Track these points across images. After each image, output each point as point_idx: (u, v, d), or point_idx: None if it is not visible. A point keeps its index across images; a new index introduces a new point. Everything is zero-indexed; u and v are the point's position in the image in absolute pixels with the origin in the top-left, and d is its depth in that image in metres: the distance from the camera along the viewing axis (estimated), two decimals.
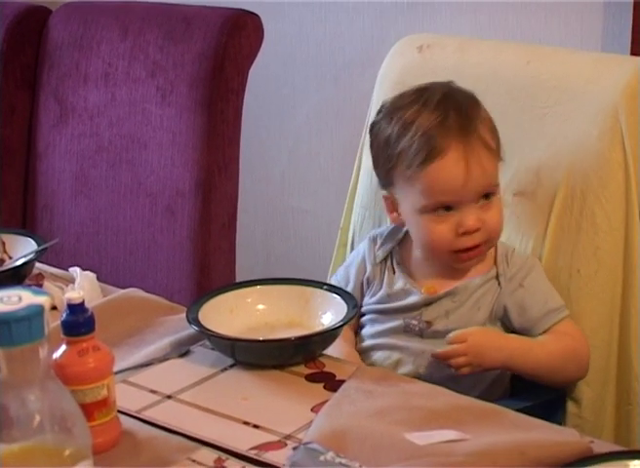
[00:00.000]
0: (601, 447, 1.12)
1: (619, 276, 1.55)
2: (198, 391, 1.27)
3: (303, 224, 2.80)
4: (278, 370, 1.31)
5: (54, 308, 1.42)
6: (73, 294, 1.13)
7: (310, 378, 1.30)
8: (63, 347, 1.12)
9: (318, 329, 1.37)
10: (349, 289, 1.60)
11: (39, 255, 1.59)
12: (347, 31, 2.57)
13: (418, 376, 1.48)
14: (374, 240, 1.62)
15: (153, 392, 1.27)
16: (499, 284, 1.52)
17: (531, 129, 1.58)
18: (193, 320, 1.36)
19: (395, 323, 1.54)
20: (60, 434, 0.91)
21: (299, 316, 1.42)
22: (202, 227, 1.99)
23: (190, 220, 2.00)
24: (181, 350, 1.37)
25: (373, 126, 1.56)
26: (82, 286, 1.51)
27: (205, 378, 1.30)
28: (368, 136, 1.59)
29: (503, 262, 1.53)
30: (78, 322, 1.12)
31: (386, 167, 1.51)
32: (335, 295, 1.42)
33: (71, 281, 1.55)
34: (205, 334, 1.34)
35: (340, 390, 1.24)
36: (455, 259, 1.51)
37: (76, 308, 1.12)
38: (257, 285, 1.46)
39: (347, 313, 1.37)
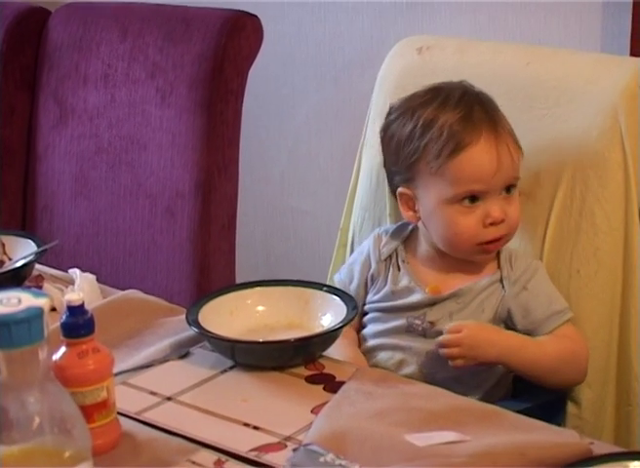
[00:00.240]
0: (601, 448, 1.12)
1: (618, 276, 1.55)
2: (198, 393, 1.27)
3: (303, 225, 2.80)
4: (278, 372, 1.31)
5: (53, 310, 1.42)
6: (73, 296, 1.13)
7: (310, 380, 1.30)
8: (63, 349, 1.12)
9: (318, 330, 1.37)
10: (354, 286, 1.60)
11: (39, 257, 1.59)
12: (347, 32, 2.57)
13: (421, 377, 1.48)
14: (379, 237, 1.62)
15: (153, 394, 1.27)
16: (503, 287, 1.52)
17: (530, 129, 1.58)
18: (193, 321, 1.36)
19: (398, 322, 1.54)
20: (60, 436, 0.91)
21: (298, 317, 1.42)
22: (202, 228, 1.99)
23: (190, 221, 2.00)
24: (181, 352, 1.37)
25: (387, 127, 1.56)
26: (82, 287, 1.51)
27: (205, 380, 1.30)
28: (378, 138, 1.60)
29: (507, 265, 1.54)
30: (78, 324, 1.13)
31: (408, 161, 1.51)
32: (334, 297, 1.42)
33: (71, 282, 1.55)
34: (205, 336, 1.34)
35: (340, 391, 1.24)
36: (480, 251, 1.51)
37: (76, 310, 1.13)
38: (256, 286, 1.46)
39: (347, 314, 1.37)
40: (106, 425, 1.14)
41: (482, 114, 1.49)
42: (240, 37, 1.98)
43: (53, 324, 1.07)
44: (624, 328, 1.55)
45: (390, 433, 1.13)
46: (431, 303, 1.53)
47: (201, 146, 1.98)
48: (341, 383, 1.27)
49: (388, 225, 1.67)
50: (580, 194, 1.55)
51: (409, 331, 1.53)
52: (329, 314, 1.40)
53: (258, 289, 1.46)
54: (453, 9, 2.38)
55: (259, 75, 2.14)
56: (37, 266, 1.62)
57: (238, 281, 2.02)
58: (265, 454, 1.12)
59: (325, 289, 1.44)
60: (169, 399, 1.26)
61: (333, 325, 1.36)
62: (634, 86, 1.53)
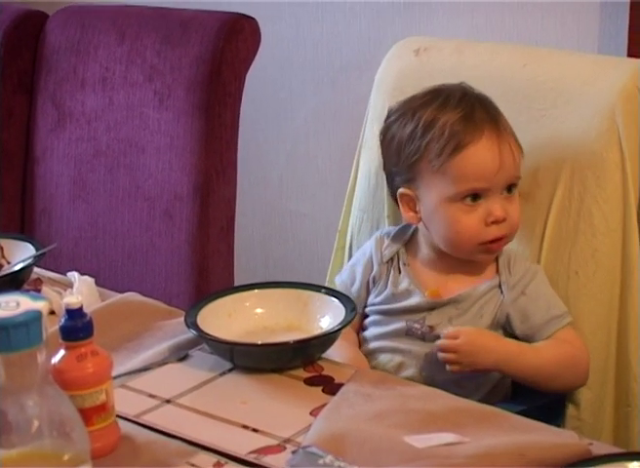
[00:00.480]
0: (600, 448, 1.12)
1: (617, 277, 1.55)
2: (197, 395, 1.27)
3: (302, 227, 2.80)
4: (277, 374, 1.31)
5: (52, 313, 1.42)
6: (71, 299, 1.13)
7: (309, 382, 1.30)
8: (62, 352, 1.12)
9: (317, 332, 1.37)
10: (355, 287, 1.60)
11: (37, 260, 1.59)
12: (344, 34, 2.57)
13: (420, 379, 1.48)
14: (381, 239, 1.62)
15: (152, 396, 1.27)
16: (501, 292, 1.52)
17: (528, 130, 1.59)
18: (192, 324, 1.35)
19: (398, 325, 1.54)
20: (59, 439, 0.91)
21: (297, 320, 1.42)
22: (200, 231, 1.99)
23: (188, 224, 2.00)
24: (180, 354, 1.37)
25: (386, 129, 1.57)
26: (80, 290, 1.51)
27: (204, 382, 1.30)
28: (376, 140, 1.60)
29: (506, 270, 1.54)
30: (76, 327, 1.12)
31: (409, 161, 1.51)
32: (333, 299, 1.42)
33: (70, 285, 1.55)
34: (203, 339, 1.34)
35: (339, 393, 1.24)
36: (482, 251, 1.51)
37: (74, 313, 1.12)
38: (255, 288, 1.46)
39: (346, 316, 1.36)
40: (105, 428, 1.13)
41: (483, 114, 1.49)
42: (238, 40, 1.98)
43: (52, 327, 1.08)
44: (623, 329, 1.55)
45: (389, 435, 1.13)
46: (430, 308, 1.53)
47: (199, 149, 1.98)
48: (340, 385, 1.27)
49: (390, 228, 1.67)
50: (579, 195, 1.55)
51: (408, 334, 1.54)
52: (327, 316, 1.40)
53: (256, 291, 1.46)
54: (450, 10, 2.38)
55: (256, 78, 2.15)
56: (36, 269, 1.61)
57: (237, 283, 2.02)
58: (264, 457, 1.12)
59: (323, 291, 1.44)
60: (168, 401, 1.26)
61: (331, 327, 1.36)
62: (632, 87, 1.53)
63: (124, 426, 1.18)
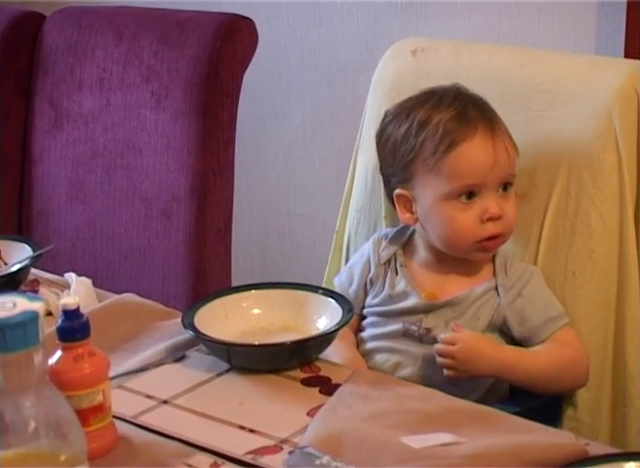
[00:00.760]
0: (597, 449, 1.13)
1: (614, 278, 1.55)
2: (194, 396, 1.27)
3: (299, 228, 2.80)
4: (274, 375, 1.31)
5: (49, 314, 1.42)
6: (68, 300, 1.13)
7: (306, 382, 1.30)
8: (59, 353, 1.12)
9: (313, 333, 1.37)
10: (353, 288, 1.61)
11: (34, 261, 1.59)
12: (341, 35, 2.57)
13: (417, 379, 1.48)
14: (378, 241, 1.62)
15: (149, 397, 1.27)
16: (498, 294, 1.53)
17: (525, 131, 1.59)
18: (189, 325, 1.36)
19: (395, 326, 1.54)
20: (56, 440, 0.91)
21: (294, 320, 1.42)
22: (197, 232, 1.99)
23: (186, 225, 2.00)
24: (177, 355, 1.37)
25: (382, 130, 1.58)
26: (77, 291, 1.51)
27: (201, 383, 1.30)
28: (373, 141, 1.61)
29: (502, 272, 1.54)
30: (73, 327, 1.12)
31: (404, 161, 1.52)
32: (330, 299, 1.42)
33: (67, 286, 1.55)
34: (200, 339, 1.34)
35: (336, 394, 1.24)
36: (479, 249, 1.51)
37: (71, 314, 1.12)
38: (252, 289, 1.46)
39: (343, 317, 1.37)
40: (102, 429, 1.13)
41: (477, 112, 1.50)
42: (235, 40, 1.98)
43: (49, 328, 1.07)
44: (620, 329, 1.55)
45: (386, 435, 1.13)
46: (427, 310, 1.53)
47: (196, 150, 1.98)
48: (337, 386, 1.27)
49: (388, 229, 1.67)
50: (576, 196, 1.56)
51: (405, 335, 1.54)
52: (324, 317, 1.40)
53: (253, 292, 1.46)
54: (447, 11, 2.38)
55: (254, 78, 2.15)
56: (33, 270, 1.61)
57: (234, 284, 2.02)
58: (261, 457, 1.12)
59: (320, 291, 1.44)
60: (165, 402, 1.26)
61: (328, 327, 1.36)
62: (629, 88, 1.53)
63: (121, 427, 1.18)
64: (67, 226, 2.15)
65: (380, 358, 1.55)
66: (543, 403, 1.52)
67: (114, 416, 1.17)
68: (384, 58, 1.77)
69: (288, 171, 2.77)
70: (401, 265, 1.58)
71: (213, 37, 1.97)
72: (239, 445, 1.15)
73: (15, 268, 1.56)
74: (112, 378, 1.23)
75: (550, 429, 1.20)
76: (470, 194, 1.49)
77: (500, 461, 1.08)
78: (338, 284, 1.63)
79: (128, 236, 2.07)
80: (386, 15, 2.48)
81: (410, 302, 1.54)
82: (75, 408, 1.01)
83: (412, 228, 1.60)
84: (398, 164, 1.54)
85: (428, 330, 1.52)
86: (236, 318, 1.42)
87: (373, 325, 1.58)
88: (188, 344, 1.38)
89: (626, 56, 2.12)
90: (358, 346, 1.59)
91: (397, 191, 1.56)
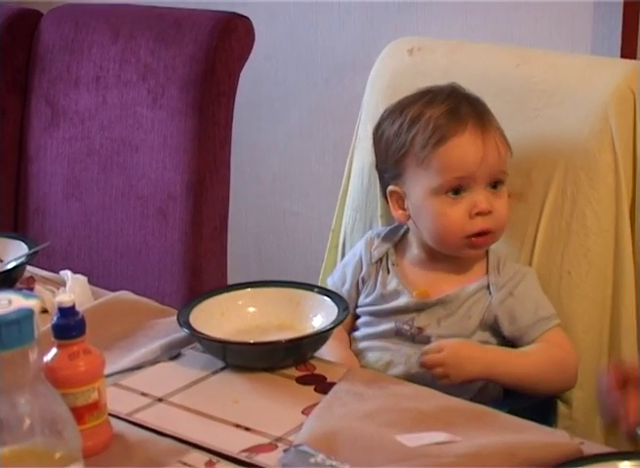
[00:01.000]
0: (591, 448, 1.13)
1: (609, 277, 1.55)
2: (189, 394, 1.27)
3: (295, 227, 2.80)
4: (269, 373, 1.31)
5: (45, 311, 1.42)
6: (64, 298, 1.13)
7: (301, 381, 1.30)
8: (54, 350, 1.12)
9: (309, 331, 1.37)
10: (346, 287, 1.61)
11: (30, 259, 1.59)
12: (338, 33, 2.58)
13: (409, 378, 1.48)
14: (371, 240, 1.62)
15: (144, 395, 1.27)
16: (489, 293, 1.53)
17: (521, 131, 1.59)
18: (184, 323, 1.36)
19: (387, 326, 1.54)
20: (51, 437, 0.91)
21: (289, 319, 1.42)
22: (193, 230, 1.99)
23: (182, 223, 2.00)
24: (172, 353, 1.37)
25: (377, 126, 1.59)
26: (73, 289, 1.51)
27: (196, 381, 1.30)
28: (370, 139, 1.61)
29: (495, 271, 1.54)
30: (69, 325, 1.12)
31: (396, 156, 1.53)
32: (325, 298, 1.42)
33: (62, 284, 1.55)
34: (196, 337, 1.35)
35: (331, 392, 1.25)
36: (468, 245, 1.51)
37: (67, 311, 1.12)
38: (248, 287, 1.46)
39: (338, 315, 1.37)
40: (97, 426, 1.14)
41: (469, 108, 1.51)
42: (231, 39, 1.98)
43: (44, 325, 1.08)
44: (615, 328, 1.55)
45: (381, 433, 1.13)
46: (419, 309, 1.53)
47: (192, 148, 1.98)
48: (332, 384, 1.27)
49: (381, 228, 1.68)
50: (571, 195, 1.56)
51: (398, 335, 1.54)
52: (320, 315, 1.40)
53: (249, 290, 1.46)
54: (444, 10, 2.39)
55: (250, 77, 2.15)
56: (28, 268, 1.61)
57: (230, 282, 2.02)
58: (256, 455, 1.13)
59: (316, 290, 1.45)
60: (160, 400, 1.26)
61: (324, 326, 1.36)
62: (625, 87, 1.53)
63: (116, 425, 1.18)
64: (63, 224, 2.15)
65: (372, 356, 1.55)
66: (538, 402, 1.52)
67: (109, 414, 1.17)
68: (381, 57, 1.77)
69: (284, 169, 2.77)
70: (393, 264, 1.58)
71: (209, 35, 1.97)
72: (234, 443, 1.15)
73: (10, 266, 1.56)
74: (107, 376, 1.23)
75: (545, 428, 1.20)
76: (459, 189, 1.49)
77: (495, 460, 1.08)
78: (331, 283, 1.64)
79: (124, 234, 2.07)
80: (383, 14, 2.48)
81: (401, 301, 1.54)
82: (70, 405, 1.01)
83: (405, 227, 1.61)
84: (390, 160, 1.55)
85: (420, 329, 1.52)
86: (232, 316, 1.42)
87: (365, 324, 1.58)
88: (184, 342, 1.38)
89: (623, 56, 2.12)
90: (351, 345, 1.59)
91: (390, 188, 1.56)
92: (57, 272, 1.61)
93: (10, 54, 2.19)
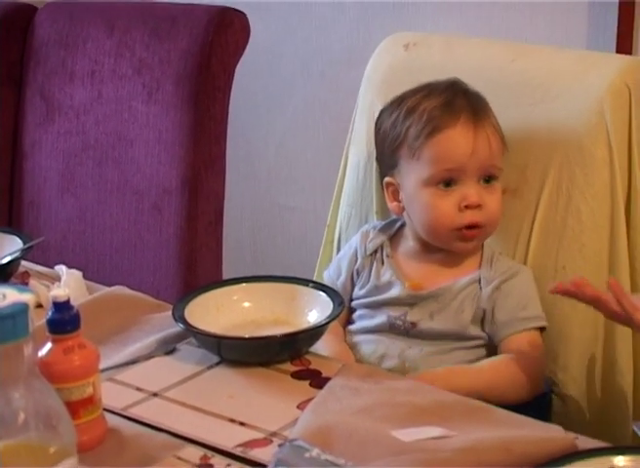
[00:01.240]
0: (586, 443, 1.13)
1: (604, 273, 1.55)
2: (184, 389, 1.27)
3: (290, 221, 2.80)
4: (264, 368, 1.31)
5: (39, 306, 1.42)
6: (59, 292, 1.13)
7: (296, 376, 1.30)
8: (49, 345, 1.12)
9: (304, 326, 1.37)
10: (341, 280, 1.61)
11: (25, 253, 1.59)
12: (334, 28, 2.57)
13: (403, 370, 1.49)
14: (366, 233, 1.63)
15: (139, 390, 1.27)
16: (480, 287, 1.53)
17: (516, 126, 1.59)
18: (179, 317, 1.35)
19: (380, 320, 1.54)
20: (45, 432, 0.91)
21: (285, 313, 1.42)
22: (189, 225, 1.99)
23: (177, 218, 1.99)
24: (167, 348, 1.37)
25: (377, 119, 1.60)
26: (68, 284, 1.51)
27: (191, 376, 1.30)
28: (365, 134, 1.62)
29: (487, 265, 1.54)
30: (64, 320, 1.12)
31: (392, 147, 1.54)
32: (321, 293, 1.42)
33: (57, 279, 1.55)
34: (191, 332, 1.34)
35: (326, 387, 1.25)
36: (458, 238, 1.51)
37: (62, 306, 1.12)
38: (243, 282, 1.46)
39: (333, 310, 1.37)
40: (92, 421, 1.13)
41: (464, 101, 1.51)
42: (227, 33, 1.98)
43: (39, 320, 1.08)
44: (610, 324, 1.55)
45: (376, 428, 1.14)
46: (411, 302, 1.53)
47: (188, 143, 1.98)
48: (328, 379, 1.27)
49: (377, 222, 1.68)
50: (567, 190, 1.56)
51: (391, 329, 1.54)
52: (315, 310, 1.40)
53: (244, 285, 1.46)
54: (439, 5, 2.39)
55: (246, 71, 2.14)
56: (23, 263, 1.61)
57: (225, 277, 2.02)
58: (251, 450, 1.13)
59: (311, 285, 1.45)
60: (155, 395, 1.26)
61: (319, 321, 1.36)
62: (620, 83, 1.53)
63: (111, 419, 1.18)
64: (58, 218, 2.14)
65: (366, 349, 1.55)
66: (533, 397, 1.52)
67: (104, 409, 1.17)
68: (377, 52, 1.76)
69: (279, 164, 2.77)
70: (387, 256, 1.59)
71: (205, 30, 1.97)
72: (229, 437, 1.15)
73: (5, 260, 1.55)
74: (102, 371, 1.23)
75: (540, 423, 1.20)
76: (450, 181, 1.50)
77: (490, 455, 1.08)
78: (327, 277, 1.64)
79: (119, 228, 2.07)
80: (379, 9, 2.48)
81: (394, 292, 1.54)
82: (65, 400, 1.01)
83: (401, 221, 1.61)
84: (387, 150, 1.56)
85: (413, 324, 1.52)
86: (227, 311, 1.42)
87: (360, 317, 1.58)
88: (179, 337, 1.38)
89: (618, 51, 2.12)
90: (346, 338, 1.59)
91: (386, 179, 1.58)
92: (51, 267, 1.61)
93: (5, 48, 2.18)
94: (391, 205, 1.58)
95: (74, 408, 1.09)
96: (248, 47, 2.03)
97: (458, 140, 1.49)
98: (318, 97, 2.65)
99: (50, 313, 1.12)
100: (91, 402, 1.13)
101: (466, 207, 1.49)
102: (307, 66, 2.65)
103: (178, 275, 2.00)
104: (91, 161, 2.10)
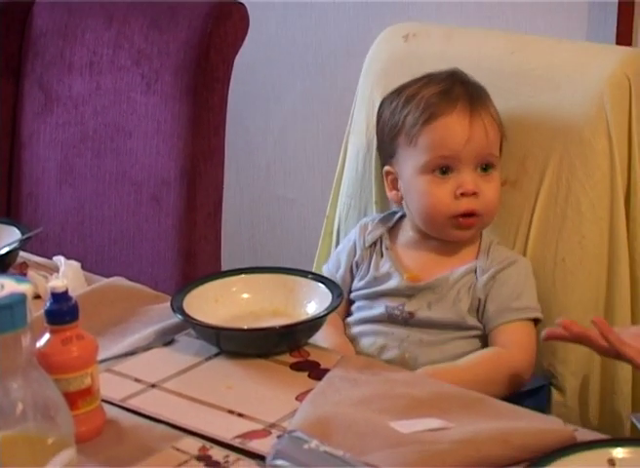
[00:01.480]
0: (585, 435, 1.13)
1: (603, 265, 1.55)
2: (182, 380, 1.27)
3: (289, 213, 2.79)
4: (263, 359, 1.31)
5: (38, 297, 1.41)
6: (57, 283, 1.13)
7: (295, 367, 1.30)
8: (47, 336, 1.12)
9: (303, 317, 1.37)
10: (340, 273, 1.61)
11: (23, 244, 1.58)
12: (333, 19, 2.57)
13: (402, 361, 1.49)
14: (364, 226, 1.63)
15: (137, 381, 1.27)
16: (476, 277, 1.52)
17: (516, 117, 1.59)
18: (178, 309, 1.35)
19: (379, 310, 1.54)
20: (43, 422, 0.91)
21: (283, 305, 1.42)
22: (187, 216, 1.99)
23: (175, 209, 1.99)
24: (166, 339, 1.36)
25: (378, 109, 1.60)
26: (66, 275, 1.51)
27: (189, 367, 1.30)
28: (364, 125, 1.62)
29: (484, 255, 1.54)
30: (62, 310, 1.12)
31: (391, 135, 1.55)
32: (319, 284, 1.42)
33: (55, 270, 1.55)
34: (189, 323, 1.34)
35: (325, 379, 1.24)
36: (454, 226, 1.51)
37: (60, 297, 1.12)
38: (241, 274, 1.46)
39: (332, 302, 1.36)
40: (91, 412, 1.13)
41: (461, 90, 1.52)
42: (226, 25, 1.98)
43: (37, 311, 1.08)
44: (609, 316, 1.55)
45: (375, 420, 1.13)
46: (409, 294, 1.53)
47: (186, 134, 1.97)
48: (326, 370, 1.27)
49: (375, 214, 1.68)
50: (566, 182, 1.56)
51: (390, 319, 1.54)
52: (314, 301, 1.40)
53: (243, 276, 1.46)
54: None
55: (244, 63, 2.14)
56: (22, 253, 1.61)
57: (224, 268, 2.02)
58: (250, 441, 1.12)
59: (310, 276, 1.44)
60: (153, 386, 1.26)
61: (318, 312, 1.36)
62: (620, 74, 1.53)
63: (109, 410, 1.18)
64: (56, 209, 2.14)
65: (366, 341, 1.55)
66: (532, 389, 1.52)
67: (102, 400, 1.17)
68: (376, 43, 1.76)
69: (278, 155, 2.77)
70: (386, 248, 1.59)
71: (204, 21, 1.97)
72: (227, 429, 1.15)
73: (3, 251, 1.55)
74: (101, 362, 1.23)
75: (539, 415, 1.20)
76: (446, 169, 1.50)
77: (489, 447, 1.08)
78: (326, 271, 1.64)
79: (117, 220, 2.06)
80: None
81: (392, 283, 1.54)
82: (63, 391, 1.01)
83: (399, 213, 1.61)
84: (386, 139, 1.57)
85: (411, 313, 1.52)
86: (225, 302, 1.42)
87: (359, 309, 1.58)
88: (177, 328, 1.38)
89: (618, 42, 2.12)
90: (345, 331, 1.59)
91: (385, 168, 1.59)
92: (50, 258, 1.60)
93: (3, 39, 2.18)
94: (390, 194, 1.59)
95: (72, 398, 1.09)
96: (247, 38, 2.03)
97: (453, 127, 1.50)
98: (317, 88, 2.65)
99: (48, 304, 1.12)
100: (89, 393, 1.13)
101: (462, 194, 1.50)
102: (306, 58, 2.64)
103: (176, 266, 2.00)
104: (89, 152, 2.09)
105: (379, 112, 1.60)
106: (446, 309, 1.51)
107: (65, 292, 1.12)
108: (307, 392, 1.22)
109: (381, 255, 1.58)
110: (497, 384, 1.44)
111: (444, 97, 1.51)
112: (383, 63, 1.72)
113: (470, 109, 1.50)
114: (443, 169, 1.50)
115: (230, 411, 1.19)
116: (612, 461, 1.05)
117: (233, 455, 1.10)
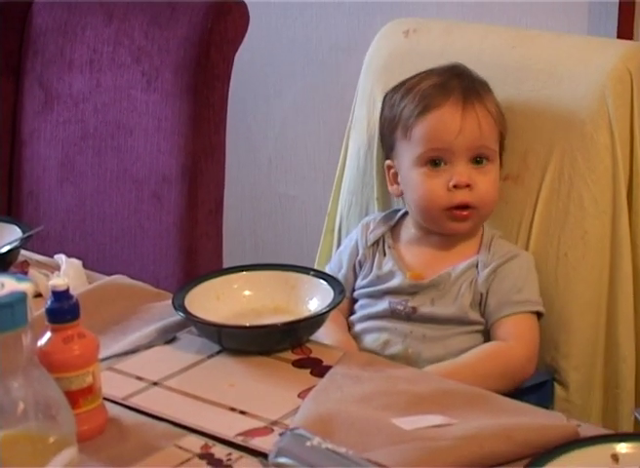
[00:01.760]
0: (588, 430, 1.13)
1: (606, 259, 1.55)
2: (184, 378, 1.27)
3: (291, 210, 2.79)
4: (265, 357, 1.31)
5: (39, 295, 1.41)
6: (58, 281, 1.13)
7: (297, 364, 1.29)
8: (48, 334, 1.12)
9: (305, 314, 1.37)
10: (342, 272, 1.61)
11: (24, 243, 1.58)
12: (333, 15, 2.56)
13: (406, 357, 1.49)
14: (366, 225, 1.63)
15: (139, 379, 1.26)
16: (478, 272, 1.52)
17: (518, 112, 1.59)
18: (179, 306, 1.35)
19: (382, 306, 1.54)
20: (45, 421, 0.90)
21: (285, 302, 1.42)
22: (188, 213, 1.99)
23: (177, 207, 1.99)
24: (168, 337, 1.36)
25: (382, 104, 1.61)
26: (67, 273, 1.50)
27: (191, 365, 1.30)
28: (365, 122, 1.63)
29: (485, 249, 1.54)
30: (63, 309, 1.12)
31: (390, 128, 1.56)
32: (321, 281, 1.41)
33: (57, 268, 1.55)
34: (191, 321, 1.34)
35: (327, 376, 1.24)
36: (449, 218, 1.51)
37: (61, 295, 1.12)
38: (243, 271, 1.46)
39: (334, 299, 1.36)
40: (92, 411, 1.13)
41: (456, 82, 1.52)
42: (226, 21, 1.97)
43: (38, 310, 1.07)
44: (612, 311, 1.55)
45: (377, 417, 1.13)
46: (412, 292, 1.53)
47: (187, 131, 1.97)
48: (328, 367, 1.27)
49: (376, 213, 1.68)
50: (569, 177, 1.55)
51: (393, 314, 1.54)
52: (316, 298, 1.40)
53: (244, 273, 1.45)
54: None
55: (245, 59, 2.14)
56: (23, 252, 1.61)
57: (225, 266, 2.01)
58: (252, 439, 1.12)
59: (312, 273, 1.44)
60: (155, 384, 1.25)
61: (320, 309, 1.36)
62: (622, 68, 1.53)
63: (111, 409, 1.18)
64: (57, 208, 2.14)
65: (369, 338, 1.55)
66: (535, 384, 1.52)
67: (104, 398, 1.17)
68: (377, 39, 1.76)
69: (280, 152, 2.77)
70: (389, 247, 1.59)
71: (204, 18, 1.96)
72: (230, 426, 1.15)
73: (4, 250, 1.55)
74: (102, 360, 1.23)
75: (542, 410, 1.20)
76: (439, 161, 1.51)
77: (492, 443, 1.08)
78: (328, 271, 1.63)
79: (118, 217, 2.06)
80: None
81: (395, 282, 1.54)
82: (65, 389, 1.01)
83: (401, 211, 1.61)
84: (386, 132, 1.58)
85: (414, 308, 1.52)
86: (227, 300, 1.41)
87: (362, 307, 1.58)
88: (179, 326, 1.38)
89: (619, 36, 2.12)
90: (349, 329, 1.58)
91: (386, 162, 1.60)
92: (51, 256, 1.60)
93: (2, 37, 2.17)
94: (391, 188, 1.60)
95: (74, 397, 1.09)
96: (247, 35, 2.03)
97: (445, 120, 1.50)
98: (318, 84, 2.65)
99: (49, 302, 1.12)
100: (91, 391, 1.13)
101: (455, 186, 1.50)
102: (307, 54, 2.64)
103: (178, 264, 2.00)
104: (90, 150, 2.09)
105: (381, 107, 1.61)
106: (449, 304, 1.51)
107: (67, 291, 1.12)
108: (310, 389, 1.21)
109: (384, 254, 1.58)
110: (496, 378, 1.43)
111: (439, 90, 1.52)
112: (384, 59, 1.72)
113: (463, 101, 1.51)
114: (436, 161, 1.51)
115: (232, 409, 1.19)
116: (615, 457, 1.05)
117: (236, 453, 1.10)
